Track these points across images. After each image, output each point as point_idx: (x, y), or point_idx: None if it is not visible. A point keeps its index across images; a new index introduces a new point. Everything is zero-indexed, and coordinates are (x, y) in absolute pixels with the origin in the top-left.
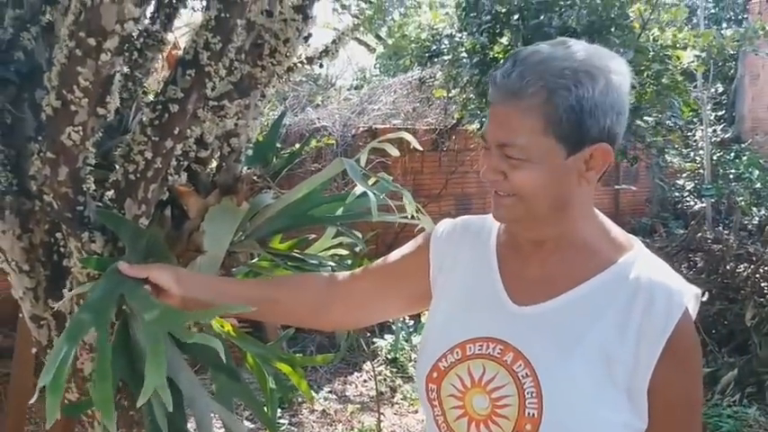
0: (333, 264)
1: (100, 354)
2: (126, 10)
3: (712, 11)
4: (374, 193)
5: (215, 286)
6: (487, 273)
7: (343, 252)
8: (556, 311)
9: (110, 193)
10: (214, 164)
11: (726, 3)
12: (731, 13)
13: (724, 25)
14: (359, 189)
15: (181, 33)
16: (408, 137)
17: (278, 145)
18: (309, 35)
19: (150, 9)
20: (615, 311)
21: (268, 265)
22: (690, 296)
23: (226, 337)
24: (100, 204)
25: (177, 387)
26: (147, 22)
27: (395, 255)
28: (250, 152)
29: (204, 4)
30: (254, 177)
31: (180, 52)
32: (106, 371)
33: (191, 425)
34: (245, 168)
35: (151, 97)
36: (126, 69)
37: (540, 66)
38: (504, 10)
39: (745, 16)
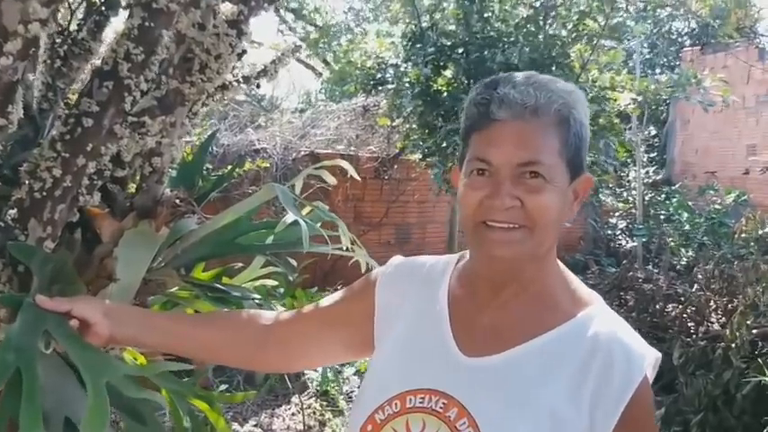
0: (258, 296)
1: (27, 397)
2: (30, 9)
3: (647, 56)
4: (307, 222)
5: (145, 321)
6: (436, 319)
7: (272, 282)
8: (507, 365)
9: (12, 212)
10: (134, 185)
11: (660, 49)
12: (665, 59)
13: (658, 71)
14: (289, 217)
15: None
16: (346, 165)
17: (209, 166)
18: (244, 52)
19: (79, 16)
20: (570, 371)
21: (188, 295)
22: (650, 361)
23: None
24: (0, 223)
25: (75, 427)
26: (73, 28)
27: (338, 297)
28: (174, 173)
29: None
30: (177, 200)
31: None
32: (34, 415)
33: None
34: (168, 190)
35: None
36: (47, 78)
37: (553, 86)
38: (449, 43)
39: (678, 63)
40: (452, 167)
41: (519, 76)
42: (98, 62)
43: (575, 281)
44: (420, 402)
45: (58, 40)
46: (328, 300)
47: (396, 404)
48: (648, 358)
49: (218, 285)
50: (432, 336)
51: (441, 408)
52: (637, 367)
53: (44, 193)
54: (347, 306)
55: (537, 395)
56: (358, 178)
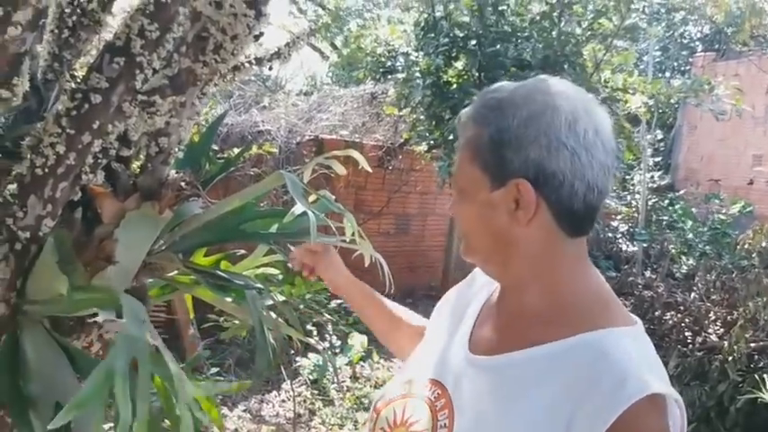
0: (260, 286)
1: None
2: None
3: (658, 59)
4: (314, 213)
5: (357, 282)
6: (465, 318)
7: (273, 271)
8: (497, 368)
9: (12, 187)
10: (138, 164)
11: (671, 53)
12: (676, 63)
13: (668, 74)
14: (298, 207)
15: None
16: (358, 156)
17: (214, 148)
18: (261, 34)
19: None
20: (554, 388)
21: (188, 280)
22: (653, 392)
23: None
24: None
25: None
26: None
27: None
28: (181, 155)
29: None
30: (182, 183)
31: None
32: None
33: None
34: (173, 172)
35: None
36: (54, 48)
37: (478, 100)
38: (462, 34)
39: (689, 68)
40: None
41: (485, 91)
42: (107, 35)
43: (606, 302)
44: (422, 390)
45: (67, 10)
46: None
47: (406, 386)
48: (651, 391)
49: (219, 272)
50: (455, 333)
51: (434, 397)
52: (628, 393)
53: (46, 170)
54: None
55: (513, 406)
56: (369, 170)
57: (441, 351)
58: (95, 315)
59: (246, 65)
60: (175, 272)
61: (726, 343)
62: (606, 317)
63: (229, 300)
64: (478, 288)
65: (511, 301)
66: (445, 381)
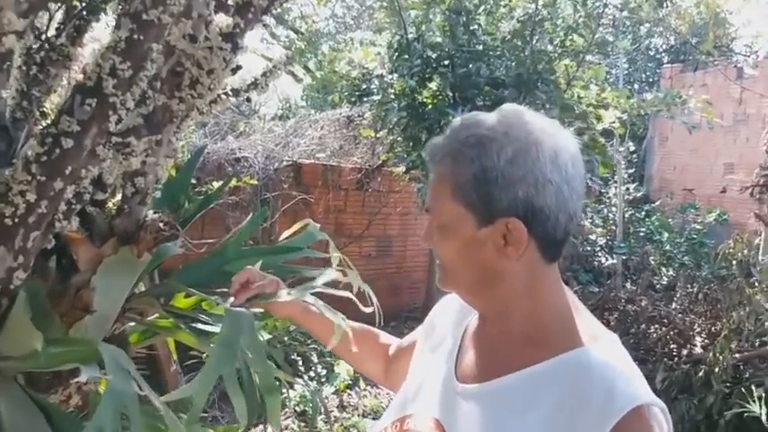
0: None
1: None
2: (5, 20)
3: (626, 71)
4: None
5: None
6: (452, 346)
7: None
8: (486, 395)
9: None
10: (114, 203)
11: (639, 65)
12: (643, 75)
13: (636, 86)
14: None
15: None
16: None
17: (194, 180)
18: (238, 67)
19: (58, 20)
20: (546, 407)
21: (168, 324)
22: (640, 403)
23: None
24: None
25: None
26: (51, 33)
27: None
28: (158, 194)
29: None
30: (161, 224)
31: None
32: None
33: None
34: (151, 212)
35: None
36: (22, 85)
37: (454, 133)
38: (434, 55)
39: (657, 79)
40: None
41: (458, 120)
42: (77, 70)
43: (582, 319)
44: (414, 426)
45: (34, 46)
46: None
47: (396, 425)
48: (637, 402)
49: (201, 316)
50: (442, 362)
51: None
52: (617, 407)
53: (16, 220)
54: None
55: (510, 429)
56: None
57: (433, 384)
58: (74, 369)
59: (223, 97)
60: (155, 315)
61: (711, 354)
62: (583, 333)
63: (212, 345)
64: (461, 314)
65: (493, 327)
66: (440, 415)
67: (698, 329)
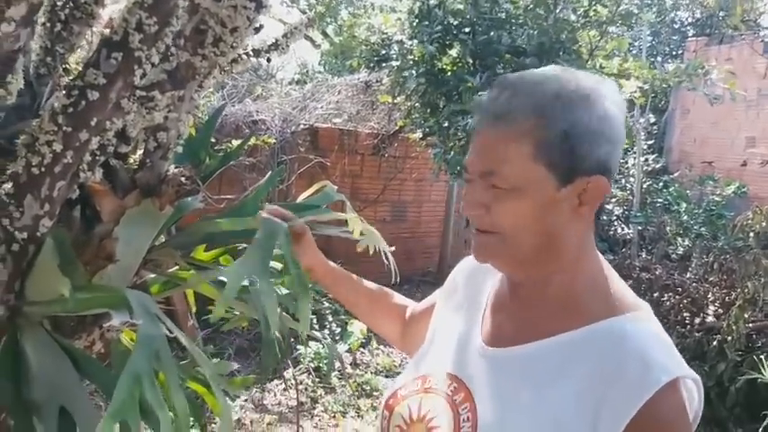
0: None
1: None
2: None
3: (650, 44)
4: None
5: (337, 270)
6: (475, 310)
7: (277, 265)
8: (520, 359)
9: (7, 186)
10: (136, 159)
11: (663, 38)
12: (668, 48)
13: (659, 59)
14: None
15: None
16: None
17: (212, 140)
18: (261, 27)
19: None
20: (579, 376)
21: (189, 276)
22: (675, 378)
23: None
24: None
25: (71, 417)
26: None
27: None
28: (180, 149)
29: None
30: (182, 178)
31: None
32: None
33: None
34: (173, 167)
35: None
36: (46, 42)
37: (531, 88)
38: (455, 22)
39: (681, 52)
40: (453, 148)
41: (512, 77)
42: (100, 28)
43: (616, 288)
44: (436, 384)
45: (59, 3)
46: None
47: (418, 382)
48: (674, 373)
49: (221, 268)
50: (466, 325)
51: (451, 391)
52: (653, 379)
53: (42, 169)
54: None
55: (543, 395)
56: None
57: (456, 343)
58: (97, 315)
59: (244, 57)
60: (176, 267)
61: (724, 323)
62: (617, 301)
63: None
64: (482, 277)
65: (530, 292)
66: (462, 374)
67: (711, 298)
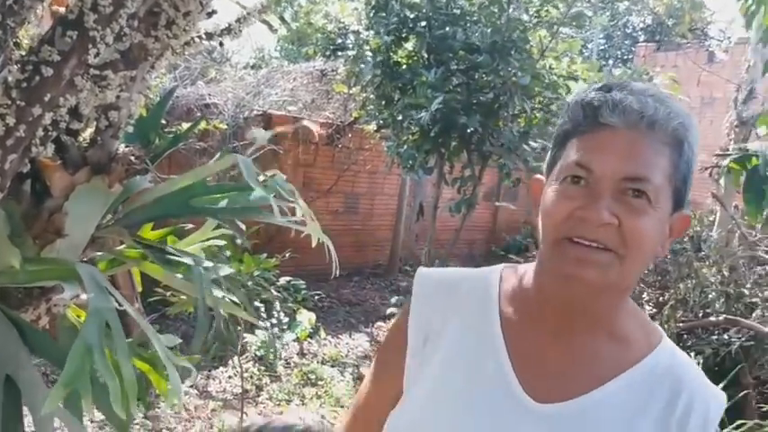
0: (209, 263)
1: None
2: None
3: (602, 47)
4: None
5: None
6: (490, 350)
7: (221, 243)
8: (582, 414)
9: None
10: (87, 137)
11: (615, 41)
12: (619, 52)
13: (611, 62)
14: (257, 193)
15: None
16: (311, 125)
17: (163, 122)
18: (214, 11)
19: None
20: (652, 419)
21: (136, 255)
22: (723, 403)
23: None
24: None
25: (16, 386)
26: None
27: (379, 366)
28: (130, 129)
29: None
30: (132, 157)
31: (62, 9)
32: None
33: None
34: (123, 146)
35: (23, 53)
36: None
37: (672, 102)
38: (412, 15)
39: (631, 57)
40: (406, 142)
41: (637, 84)
42: (51, 3)
43: (642, 313)
44: None
45: None
46: (374, 378)
47: None
48: (722, 402)
49: (167, 247)
50: (487, 371)
51: None
52: (713, 415)
53: None
54: (390, 365)
55: None
56: (316, 137)
57: (473, 401)
58: (45, 288)
59: (197, 40)
60: (123, 246)
61: (657, 322)
62: (649, 326)
63: (179, 275)
64: (463, 304)
65: (576, 327)
66: None
67: (646, 298)
